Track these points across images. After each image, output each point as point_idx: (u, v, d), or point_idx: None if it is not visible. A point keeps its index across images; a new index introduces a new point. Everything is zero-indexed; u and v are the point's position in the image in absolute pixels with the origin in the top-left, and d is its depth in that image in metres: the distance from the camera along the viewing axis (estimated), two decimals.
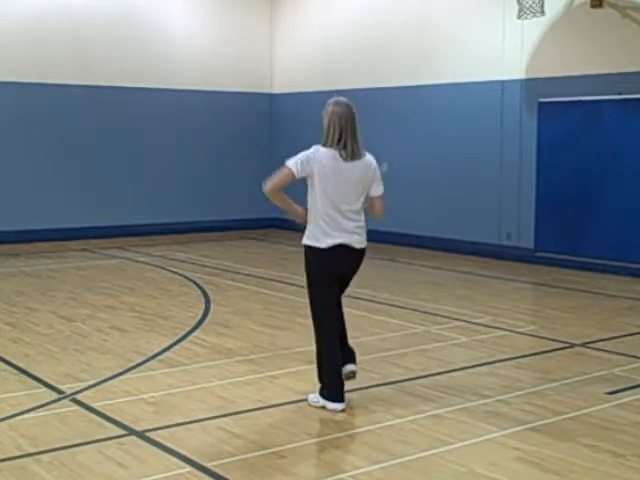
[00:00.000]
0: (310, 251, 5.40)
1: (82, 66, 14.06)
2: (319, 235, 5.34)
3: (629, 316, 8.40)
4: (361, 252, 5.46)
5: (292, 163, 5.32)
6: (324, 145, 5.34)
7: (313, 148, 5.36)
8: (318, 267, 5.39)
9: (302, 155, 5.33)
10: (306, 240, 5.42)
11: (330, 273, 5.39)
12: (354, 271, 5.54)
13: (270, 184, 5.35)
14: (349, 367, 5.55)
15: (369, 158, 5.44)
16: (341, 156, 5.28)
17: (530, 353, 6.98)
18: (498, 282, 10.43)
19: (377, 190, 5.49)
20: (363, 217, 5.46)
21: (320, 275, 5.40)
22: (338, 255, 5.34)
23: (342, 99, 5.43)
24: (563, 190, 11.55)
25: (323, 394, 5.41)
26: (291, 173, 5.29)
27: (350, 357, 5.61)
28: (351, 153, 5.30)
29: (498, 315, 8.35)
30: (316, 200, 5.36)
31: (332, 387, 5.38)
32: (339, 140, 5.30)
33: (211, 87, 15.44)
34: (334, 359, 5.41)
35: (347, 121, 5.30)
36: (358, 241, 5.41)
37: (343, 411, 5.35)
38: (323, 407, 5.39)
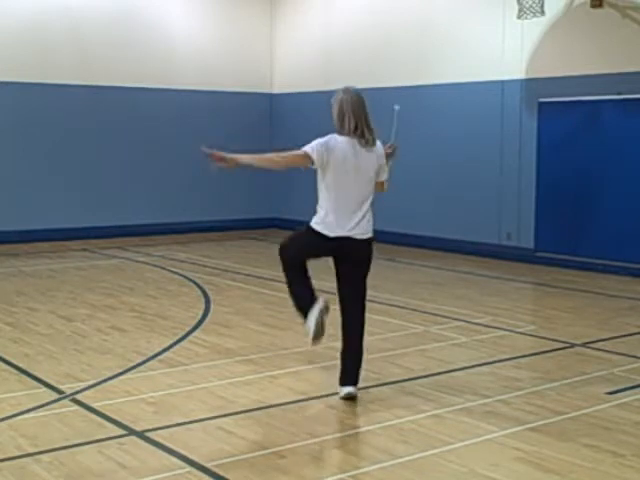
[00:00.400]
0: (314, 233, 5.41)
1: (82, 66, 14.06)
2: (330, 224, 5.35)
3: (629, 316, 8.40)
4: (367, 242, 5.46)
5: (311, 149, 5.28)
6: (340, 133, 5.36)
7: (329, 137, 5.34)
8: (313, 243, 5.43)
9: (320, 144, 5.30)
10: (315, 225, 5.41)
11: (324, 252, 5.44)
12: (360, 259, 5.47)
13: (283, 161, 5.39)
14: (346, 389, 5.50)
15: (379, 144, 5.51)
16: (360, 143, 5.33)
17: (530, 353, 6.98)
18: (498, 282, 10.43)
19: (384, 176, 5.59)
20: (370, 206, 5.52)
21: (312, 246, 5.44)
22: (342, 244, 5.38)
23: (351, 87, 5.48)
24: (563, 190, 11.55)
25: (305, 315, 5.44)
26: (308, 158, 5.27)
27: (352, 377, 5.54)
28: (370, 140, 5.36)
29: (498, 315, 8.35)
30: (330, 190, 5.36)
31: (306, 302, 5.43)
32: (356, 128, 5.32)
33: (211, 87, 15.44)
34: (302, 285, 5.50)
35: (360, 108, 5.35)
36: (365, 231, 5.42)
37: (327, 309, 5.40)
38: (319, 324, 5.36)
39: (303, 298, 5.51)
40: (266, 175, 15.35)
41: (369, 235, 5.47)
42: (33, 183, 13.65)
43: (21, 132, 13.53)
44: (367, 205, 5.45)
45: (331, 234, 5.36)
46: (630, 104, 10.81)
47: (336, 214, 5.36)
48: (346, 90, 5.44)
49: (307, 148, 5.32)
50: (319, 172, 5.41)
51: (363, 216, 5.41)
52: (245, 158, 5.55)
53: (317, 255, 5.50)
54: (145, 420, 5.12)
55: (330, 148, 5.29)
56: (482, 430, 4.99)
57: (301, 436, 4.91)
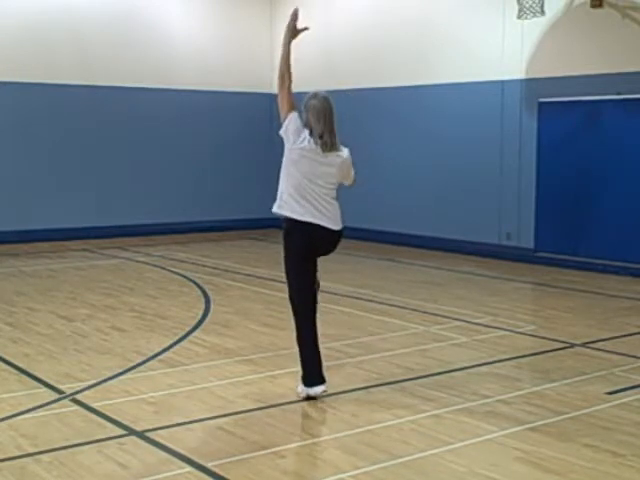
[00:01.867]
0: (285, 227, 5.54)
1: (82, 66, 14.06)
2: (295, 207, 5.45)
3: (629, 316, 8.40)
4: (338, 234, 5.59)
5: (291, 118, 5.45)
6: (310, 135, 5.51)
7: (307, 131, 5.47)
8: (291, 243, 5.54)
9: (299, 123, 5.46)
10: (279, 208, 5.52)
11: (309, 250, 5.51)
12: (328, 251, 5.66)
13: (283, 92, 5.51)
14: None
15: (345, 151, 5.60)
16: (322, 148, 5.45)
17: (530, 353, 6.98)
18: (498, 282, 10.43)
19: (349, 180, 5.71)
20: (336, 203, 5.60)
21: (298, 253, 5.51)
22: (315, 234, 5.48)
23: (321, 92, 5.60)
24: (563, 190, 11.56)
25: (304, 382, 5.55)
26: (286, 116, 5.46)
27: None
28: (329, 145, 5.47)
29: (498, 315, 8.35)
30: (291, 177, 5.47)
31: (311, 373, 5.52)
32: (321, 135, 5.44)
33: (211, 87, 15.44)
34: (312, 344, 5.55)
35: (325, 114, 5.46)
36: (333, 224, 5.53)
37: (325, 392, 5.51)
38: (308, 397, 5.49)
39: (310, 366, 5.56)
40: (266, 175, 15.37)
41: (338, 227, 5.56)
42: (33, 183, 13.65)
43: (21, 132, 13.53)
44: (332, 201, 5.54)
45: (296, 217, 5.46)
46: (630, 104, 10.81)
47: (297, 201, 5.47)
48: (315, 95, 5.54)
49: (293, 114, 5.45)
50: (285, 160, 5.52)
51: (327, 212, 5.50)
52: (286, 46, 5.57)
53: (308, 251, 5.53)
54: (145, 420, 5.12)
55: (302, 136, 5.43)
56: (482, 430, 4.99)
57: (301, 436, 4.91)
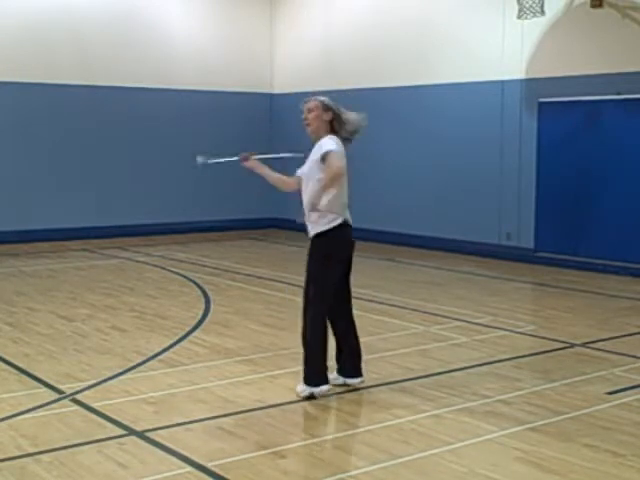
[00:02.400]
0: (328, 236, 5.56)
1: (82, 66, 14.07)
2: (340, 215, 5.56)
3: (629, 316, 8.40)
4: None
5: (341, 163, 5.44)
6: (336, 134, 5.61)
7: (333, 140, 5.54)
8: (334, 247, 5.61)
9: (335, 147, 5.48)
10: (327, 225, 5.55)
11: (345, 252, 5.68)
12: (352, 252, 5.82)
13: (337, 170, 5.41)
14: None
15: None
16: (344, 143, 5.63)
17: (530, 353, 6.98)
18: (498, 282, 10.43)
19: None
20: None
21: (336, 255, 5.61)
22: (350, 234, 5.68)
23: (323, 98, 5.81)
24: (563, 190, 11.56)
25: (309, 382, 5.54)
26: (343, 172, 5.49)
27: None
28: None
29: (498, 315, 8.35)
30: (338, 187, 5.51)
31: (319, 373, 5.54)
32: (353, 136, 5.68)
33: (211, 87, 15.44)
34: (325, 345, 5.59)
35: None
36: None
37: (329, 390, 5.55)
38: (311, 396, 5.49)
39: (318, 371, 5.58)
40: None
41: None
42: (33, 183, 13.65)
43: (21, 132, 13.53)
44: None
45: (340, 221, 5.56)
46: (630, 104, 10.81)
47: (340, 209, 5.58)
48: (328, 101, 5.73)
49: (339, 164, 5.38)
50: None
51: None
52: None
53: (345, 253, 5.69)
54: (145, 420, 5.13)
55: (342, 150, 5.54)
56: (482, 430, 4.99)
57: (301, 436, 4.91)
